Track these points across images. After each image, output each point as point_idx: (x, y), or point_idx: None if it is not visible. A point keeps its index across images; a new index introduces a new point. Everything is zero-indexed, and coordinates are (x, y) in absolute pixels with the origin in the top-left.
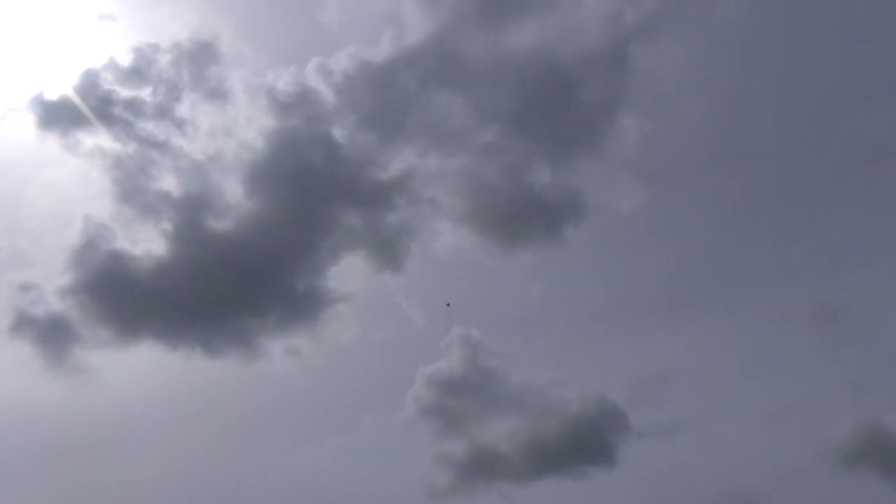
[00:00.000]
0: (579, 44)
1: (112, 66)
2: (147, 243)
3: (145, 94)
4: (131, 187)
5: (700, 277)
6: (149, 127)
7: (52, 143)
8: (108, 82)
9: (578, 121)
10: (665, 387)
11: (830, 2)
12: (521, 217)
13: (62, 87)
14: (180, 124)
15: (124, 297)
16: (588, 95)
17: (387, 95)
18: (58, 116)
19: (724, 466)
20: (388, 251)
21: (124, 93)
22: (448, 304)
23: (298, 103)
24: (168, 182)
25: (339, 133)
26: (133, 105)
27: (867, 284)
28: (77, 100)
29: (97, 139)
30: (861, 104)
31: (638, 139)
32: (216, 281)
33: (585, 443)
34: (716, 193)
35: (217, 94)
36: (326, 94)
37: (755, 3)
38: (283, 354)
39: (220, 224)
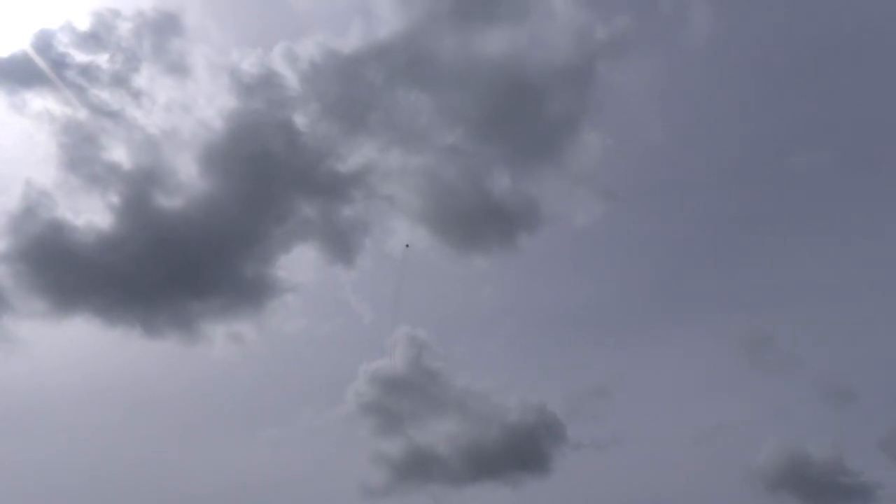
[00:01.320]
0: (548, 55)
1: (69, 28)
2: (91, 215)
3: (102, 60)
4: (79, 155)
5: (647, 295)
6: (103, 94)
7: None
8: (64, 45)
9: (542, 131)
10: (604, 400)
11: (795, 32)
12: (477, 221)
13: (14, 44)
14: (136, 95)
15: (62, 268)
16: (553, 107)
17: (352, 87)
18: (7, 74)
19: (653, 481)
20: (340, 244)
21: (80, 57)
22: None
23: (261, 86)
24: (118, 153)
25: (300, 121)
26: (88, 70)
27: (801, 315)
28: (29, 58)
29: (46, 102)
30: (815, 139)
31: (599, 154)
32: (161, 260)
33: (522, 451)
34: (669, 214)
35: (178, 69)
36: (291, 79)
37: (721, 29)
38: (225, 340)
39: (170, 202)
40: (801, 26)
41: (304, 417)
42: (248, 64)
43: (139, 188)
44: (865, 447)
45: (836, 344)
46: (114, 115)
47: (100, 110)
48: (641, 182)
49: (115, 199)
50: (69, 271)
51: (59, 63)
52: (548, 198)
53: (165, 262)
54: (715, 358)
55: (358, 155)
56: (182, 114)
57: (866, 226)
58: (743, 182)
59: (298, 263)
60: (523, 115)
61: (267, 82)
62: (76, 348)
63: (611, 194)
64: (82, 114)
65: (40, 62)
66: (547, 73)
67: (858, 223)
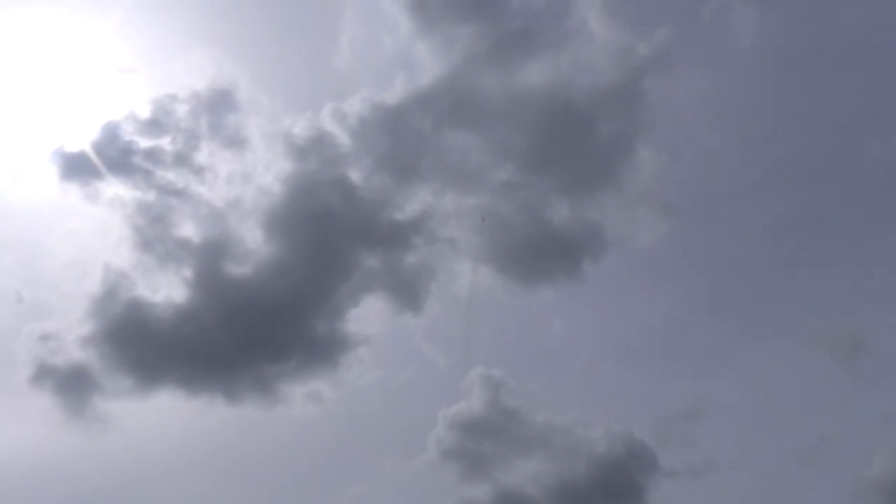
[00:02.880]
0: (592, 78)
1: (132, 117)
2: (167, 290)
3: (164, 143)
4: (151, 235)
5: (724, 309)
6: (168, 175)
7: (73, 193)
8: (128, 133)
9: (595, 155)
10: (693, 423)
11: (844, 28)
12: (539, 254)
13: (83, 139)
14: (199, 171)
15: (144, 345)
16: (603, 129)
17: (401, 137)
18: (78, 168)
19: None
20: (407, 292)
21: (144, 143)
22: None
23: (314, 147)
24: (187, 229)
25: (355, 175)
26: (152, 154)
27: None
28: (99, 149)
29: (117, 189)
30: (881, 129)
31: (655, 172)
32: (236, 326)
33: (614, 483)
34: (737, 223)
35: (235, 141)
36: (342, 137)
37: (766, 29)
38: (303, 399)
39: (240, 269)
40: (846, 18)
41: (388, 469)
42: (300, 128)
43: (209, 260)
44: None
45: None
46: (179, 194)
47: (166, 190)
48: (702, 193)
49: (188, 273)
50: (151, 347)
51: (126, 151)
52: (609, 221)
53: (240, 328)
54: (807, 369)
55: (414, 202)
56: (242, 184)
57: None
58: (810, 181)
59: (367, 316)
60: (574, 141)
61: (319, 143)
62: (163, 421)
63: (672, 210)
64: (151, 195)
65: (108, 153)
66: (593, 96)
67: None
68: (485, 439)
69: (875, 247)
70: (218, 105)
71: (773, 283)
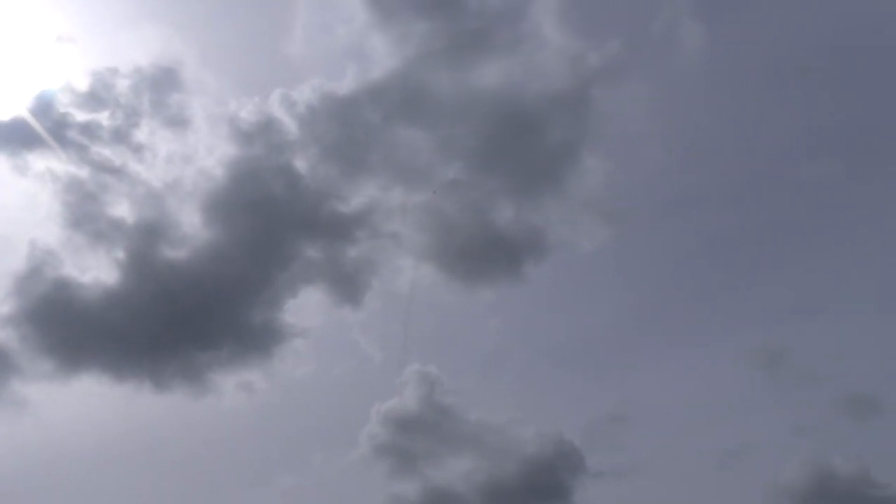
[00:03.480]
0: (543, 84)
1: (69, 88)
2: (96, 271)
3: (102, 117)
4: (82, 212)
5: (659, 318)
6: (104, 152)
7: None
8: (64, 105)
9: (542, 159)
10: (621, 427)
11: (788, 48)
12: (482, 254)
13: (15, 107)
14: (137, 149)
15: (69, 327)
16: (551, 135)
17: (350, 128)
18: (7, 138)
19: None
20: (347, 285)
21: (80, 116)
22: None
23: (260, 133)
24: (122, 208)
25: (300, 164)
26: (88, 129)
27: (817, 327)
28: (30, 121)
29: (48, 162)
30: (820, 151)
31: (600, 179)
32: (168, 312)
33: (542, 483)
34: (676, 235)
35: (177, 121)
36: (289, 124)
37: (713, 48)
38: (234, 389)
39: (175, 253)
40: (790, 39)
41: (318, 462)
42: (247, 112)
43: (144, 242)
44: (893, 458)
45: (855, 355)
46: (116, 171)
47: (102, 167)
48: (645, 203)
49: (120, 254)
50: (76, 329)
51: (60, 123)
52: (552, 225)
53: (172, 314)
54: (732, 377)
55: (360, 195)
56: (183, 165)
57: (878, 232)
58: (748, 196)
59: (305, 307)
60: (522, 144)
61: (265, 129)
62: (86, 406)
63: (615, 218)
64: (84, 172)
65: (41, 124)
66: (543, 101)
67: (869, 230)
68: (417, 436)
69: (801, 261)
70: (162, 83)
71: (705, 294)
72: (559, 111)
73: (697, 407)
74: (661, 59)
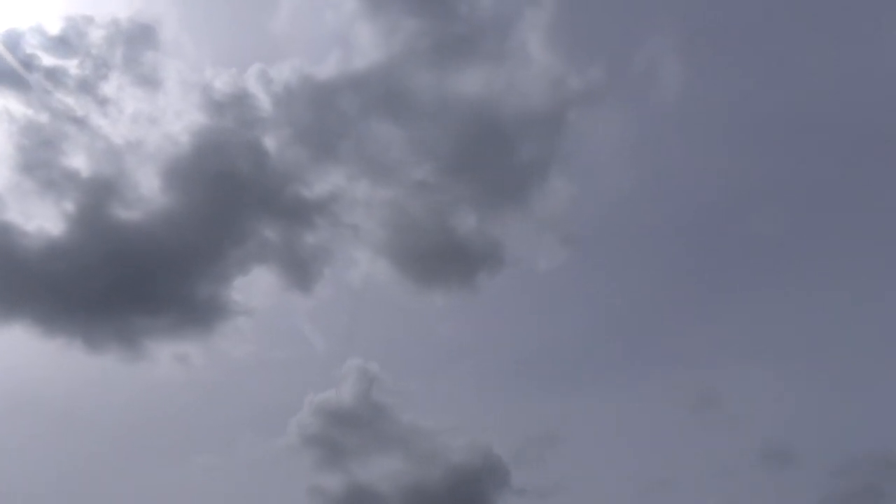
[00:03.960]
0: (522, 100)
1: (39, 30)
2: (42, 220)
3: (70, 65)
4: (36, 159)
5: (602, 345)
6: (68, 100)
7: None
8: (32, 46)
9: (511, 174)
10: (551, 448)
11: (760, 103)
12: (439, 258)
13: None
14: (103, 103)
15: (5, 273)
16: (524, 151)
17: (325, 114)
18: None
19: None
20: (299, 271)
21: (48, 60)
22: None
23: (233, 105)
24: (78, 160)
25: (269, 143)
26: (54, 74)
27: (746, 374)
28: None
29: (8, 102)
30: (775, 204)
31: (564, 202)
32: (112, 272)
33: (464, 494)
34: (629, 265)
35: (148, 81)
36: (264, 101)
37: (692, 88)
38: (169, 360)
39: (127, 214)
40: (770, 90)
41: (243, 446)
42: (222, 82)
43: (96, 197)
44: None
45: (778, 406)
46: (77, 122)
47: (63, 115)
48: (605, 232)
49: (69, 206)
50: (12, 277)
51: (26, 64)
52: (511, 240)
53: (116, 275)
54: (663, 412)
55: (325, 182)
56: (149, 126)
57: (814, 293)
58: (701, 239)
59: (254, 287)
60: (494, 156)
61: (239, 102)
62: (11, 356)
63: (574, 241)
64: (44, 117)
65: (6, 61)
66: (520, 117)
67: (807, 289)
68: (347, 431)
69: (742, 309)
70: (138, 39)
71: (649, 329)
72: (534, 128)
73: (627, 437)
74: (639, 93)
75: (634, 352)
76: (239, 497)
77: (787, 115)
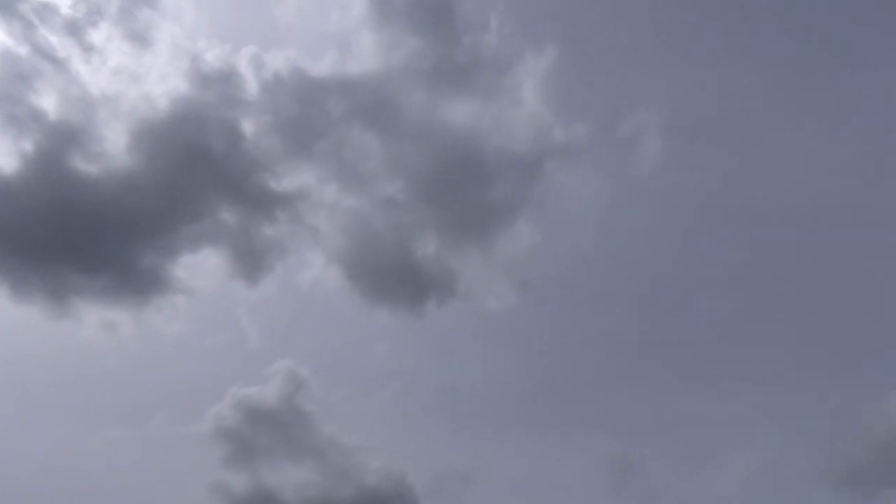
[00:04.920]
0: (505, 140)
1: None
2: None
3: (63, 4)
4: (5, 91)
5: (534, 394)
6: (52, 38)
7: None
8: None
9: (479, 210)
10: (464, 486)
11: (732, 186)
12: (392, 277)
13: None
14: (87, 49)
15: None
16: (497, 190)
17: (310, 111)
18: None
19: None
20: (250, 261)
21: None
22: None
23: (220, 81)
24: (48, 101)
25: (248, 127)
26: (43, 9)
27: (668, 449)
28: None
29: None
30: (724, 288)
31: (526, 248)
32: (56, 222)
33: None
34: (577, 323)
35: (139, 38)
36: (251, 84)
37: (666, 166)
38: (97, 324)
39: (87, 167)
40: (741, 179)
41: (155, 426)
42: (213, 56)
43: (58, 142)
44: None
45: (702, 482)
46: (56, 62)
47: (43, 53)
48: (558, 285)
49: (28, 146)
50: None
51: None
52: (467, 274)
53: (59, 225)
54: (581, 471)
55: (294, 178)
56: (129, 82)
57: (746, 378)
58: (651, 309)
59: (200, 267)
60: (467, 188)
61: (226, 79)
62: None
63: (527, 288)
64: (24, 50)
65: None
66: (500, 156)
67: (740, 374)
68: (264, 431)
69: (676, 384)
70: None
71: (585, 387)
72: (511, 170)
73: (541, 490)
74: (617, 158)
75: (564, 407)
76: (138, 478)
77: (754, 204)
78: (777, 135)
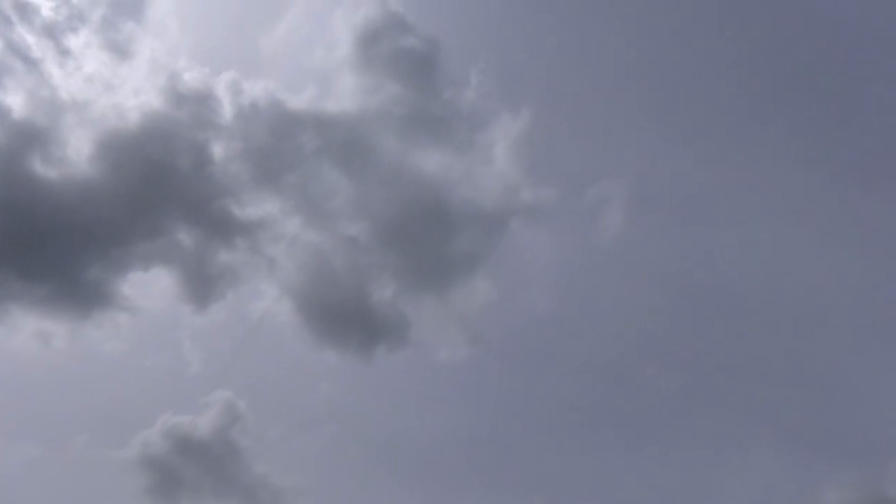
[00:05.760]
0: (473, 194)
1: None
2: None
3: (44, 5)
4: None
5: (473, 453)
6: (28, 38)
7: None
8: None
9: (440, 260)
10: None
11: (690, 267)
12: (345, 318)
13: None
14: (63, 53)
15: None
16: (459, 242)
17: (281, 142)
18: None
19: None
20: (201, 285)
21: None
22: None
23: (194, 101)
24: (15, 100)
25: (217, 150)
26: (24, 8)
27: None
28: None
29: None
30: (671, 362)
31: (482, 303)
32: (3, 221)
33: None
34: (526, 384)
35: (119, 49)
36: (227, 109)
37: (626, 241)
38: (30, 334)
39: (45, 170)
40: (701, 259)
41: (77, 447)
42: (191, 76)
43: (19, 142)
44: None
45: None
46: (30, 62)
47: (17, 50)
48: (511, 344)
49: None
50: None
51: None
52: (420, 323)
53: (7, 226)
54: None
55: (258, 207)
56: (101, 91)
57: (685, 453)
58: (600, 378)
59: (149, 286)
60: (430, 237)
61: (202, 101)
62: None
63: (479, 344)
64: None
65: None
66: (466, 209)
67: (680, 448)
68: (193, 464)
69: (612, 454)
70: (124, 7)
71: (524, 452)
72: (475, 224)
73: None
74: (580, 225)
75: (503, 465)
76: (50, 501)
77: (709, 283)
78: (737, 216)
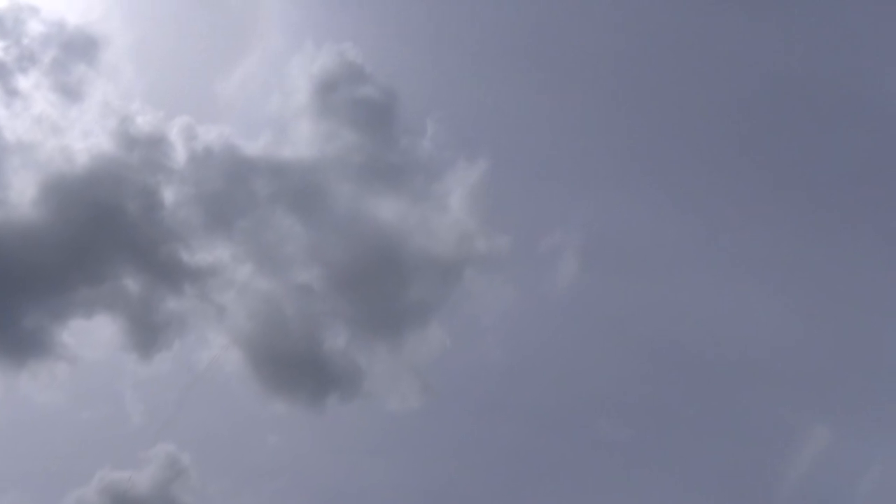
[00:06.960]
0: (427, 243)
1: None
2: None
3: None
4: None
5: (424, 502)
6: None
7: None
8: None
9: (393, 309)
10: None
11: (641, 320)
12: (295, 368)
13: None
14: (11, 94)
15: None
16: (413, 291)
17: (234, 188)
18: None
19: None
20: (146, 334)
21: None
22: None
23: (146, 145)
24: None
25: (167, 195)
26: None
27: None
28: None
29: None
30: (619, 417)
31: (435, 352)
32: None
33: None
34: (477, 436)
35: (69, 92)
36: (179, 153)
37: (581, 287)
38: None
39: None
40: (651, 313)
41: None
42: (144, 120)
43: None
44: None
45: None
46: None
47: None
48: (463, 394)
49: None
50: None
51: None
52: (373, 373)
53: None
54: None
55: (208, 253)
56: (49, 134)
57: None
58: (547, 429)
59: (91, 334)
60: (383, 286)
61: (154, 144)
62: None
63: (431, 394)
64: None
65: None
66: (420, 257)
67: (629, 501)
68: None
69: None
70: (76, 48)
71: (474, 498)
72: (429, 273)
73: None
74: (534, 276)
75: None
76: None
77: (661, 337)
78: (690, 268)
